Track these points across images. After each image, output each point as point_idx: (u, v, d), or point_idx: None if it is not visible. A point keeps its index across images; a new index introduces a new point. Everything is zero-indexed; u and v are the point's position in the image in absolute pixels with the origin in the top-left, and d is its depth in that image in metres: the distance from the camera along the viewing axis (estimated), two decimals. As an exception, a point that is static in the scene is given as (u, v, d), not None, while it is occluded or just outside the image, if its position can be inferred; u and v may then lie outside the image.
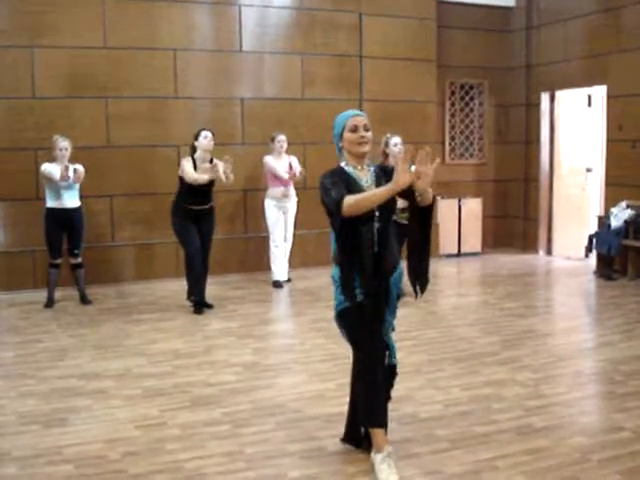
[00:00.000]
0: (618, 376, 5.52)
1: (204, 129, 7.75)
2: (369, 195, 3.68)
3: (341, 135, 3.90)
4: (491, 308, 7.89)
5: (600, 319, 7.59)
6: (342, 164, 3.93)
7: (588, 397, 5.24)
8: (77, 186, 7.91)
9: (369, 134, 3.87)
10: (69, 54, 8.72)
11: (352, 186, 3.79)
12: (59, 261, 7.98)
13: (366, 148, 3.87)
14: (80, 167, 7.85)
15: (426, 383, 5.38)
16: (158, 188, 9.05)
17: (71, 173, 7.66)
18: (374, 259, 3.84)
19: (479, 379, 5.47)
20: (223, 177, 7.57)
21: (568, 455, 4.11)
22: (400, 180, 3.52)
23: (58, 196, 7.82)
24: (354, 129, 3.84)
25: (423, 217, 3.90)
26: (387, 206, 3.83)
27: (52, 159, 7.82)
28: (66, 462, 4.07)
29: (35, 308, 7.94)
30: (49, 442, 4.35)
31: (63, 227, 7.91)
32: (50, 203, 7.86)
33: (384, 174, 3.94)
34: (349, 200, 3.64)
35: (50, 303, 8.00)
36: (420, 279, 3.97)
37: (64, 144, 7.84)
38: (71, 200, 7.90)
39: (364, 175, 3.91)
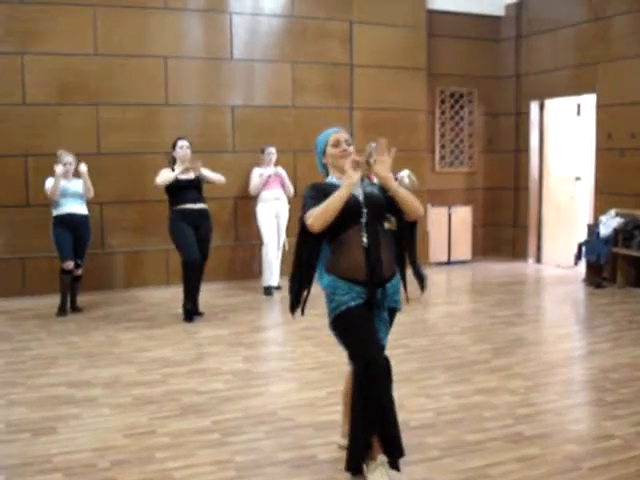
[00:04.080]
0: (608, 384, 5.53)
1: (180, 138, 7.78)
2: (326, 202, 3.74)
3: (324, 152, 4.01)
4: (481, 316, 7.90)
5: (590, 327, 7.61)
6: (328, 179, 4.02)
7: (578, 405, 5.25)
8: (82, 194, 7.88)
9: (351, 148, 3.98)
10: (60, 61, 8.70)
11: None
12: (71, 265, 7.81)
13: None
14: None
15: (417, 391, 5.37)
16: (148, 195, 9.02)
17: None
18: (366, 254, 3.80)
19: (470, 387, 5.47)
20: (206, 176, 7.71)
21: (559, 463, 4.11)
22: (350, 176, 3.76)
23: (65, 204, 7.76)
24: (336, 144, 3.97)
25: (410, 229, 4.02)
26: (372, 202, 3.88)
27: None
28: (55, 471, 4.04)
29: (24, 315, 7.91)
30: (38, 450, 4.32)
31: (71, 232, 7.81)
32: (57, 211, 7.79)
33: (370, 186, 4.04)
34: (309, 217, 3.75)
35: (63, 312, 7.88)
36: (419, 278, 4.07)
37: (68, 159, 7.79)
38: (77, 206, 7.85)
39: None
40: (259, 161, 9.08)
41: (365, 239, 3.82)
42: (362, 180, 3.97)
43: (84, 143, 8.77)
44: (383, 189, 3.95)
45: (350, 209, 3.80)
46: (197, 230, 7.66)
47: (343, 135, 4.01)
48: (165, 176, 7.61)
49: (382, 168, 3.86)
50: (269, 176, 8.96)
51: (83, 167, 7.84)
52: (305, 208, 3.83)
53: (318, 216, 3.73)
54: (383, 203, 3.94)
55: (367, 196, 3.91)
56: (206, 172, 7.83)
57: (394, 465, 3.84)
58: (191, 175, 7.62)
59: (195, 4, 9.42)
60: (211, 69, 9.57)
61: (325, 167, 4.07)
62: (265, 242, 9.02)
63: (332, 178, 3.99)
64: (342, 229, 3.83)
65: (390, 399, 3.85)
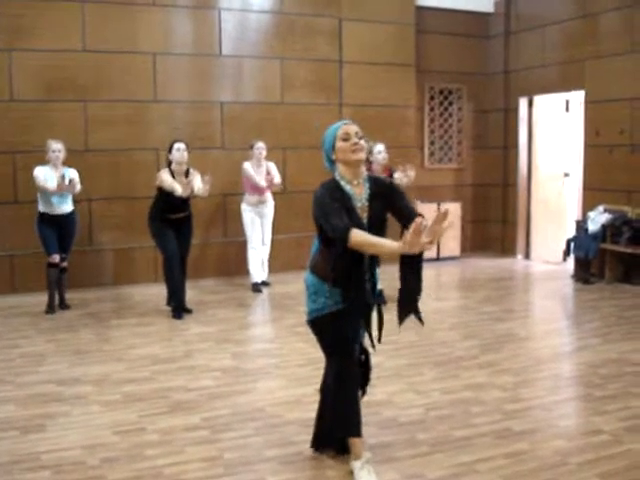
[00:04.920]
0: (596, 379, 5.55)
1: (176, 141, 7.67)
2: (376, 244, 3.53)
3: (333, 147, 3.79)
4: (470, 312, 7.92)
5: (578, 322, 7.64)
6: (337, 177, 3.81)
7: (567, 400, 5.26)
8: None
9: (362, 141, 3.77)
10: (47, 57, 8.66)
11: (347, 205, 3.70)
12: (57, 258, 7.78)
13: (360, 155, 3.75)
14: (75, 176, 7.77)
15: (406, 387, 5.38)
16: (137, 192, 9.01)
17: (67, 182, 7.57)
18: (360, 271, 3.81)
19: (459, 383, 5.49)
20: (198, 192, 7.56)
21: (547, 458, 4.13)
22: (410, 248, 3.34)
23: (50, 202, 7.69)
24: (346, 137, 3.74)
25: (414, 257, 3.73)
26: (377, 221, 3.81)
27: (45, 162, 7.73)
28: (44, 468, 4.03)
29: (13, 313, 7.87)
30: (27, 448, 4.31)
31: (56, 228, 7.77)
32: (42, 208, 7.74)
33: (379, 191, 3.84)
34: (356, 237, 3.52)
35: (51, 309, 7.86)
36: (409, 310, 4.07)
37: (57, 146, 7.72)
38: (64, 206, 7.79)
39: (359, 192, 3.79)
40: (248, 156, 9.05)
41: (365, 267, 3.80)
42: (369, 185, 3.84)
43: (72, 140, 8.69)
44: (386, 199, 3.84)
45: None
46: (177, 231, 7.67)
47: (353, 127, 3.78)
48: (171, 185, 7.43)
49: (434, 241, 3.41)
50: (260, 187, 8.86)
51: (68, 180, 7.75)
52: (328, 218, 3.60)
53: (357, 243, 3.53)
54: (386, 222, 3.88)
55: (373, 215, 3.79)
56: (197, 186, 7.66)
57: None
58: (181, 191, 7.48)
59: (184, 0, 9.39)
60: (200, 65, 9.54)
61: (333, 163, 3.84)
62: (249, 241, 9.01)
63: (342, 180, 3.78)
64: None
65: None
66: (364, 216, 3.79)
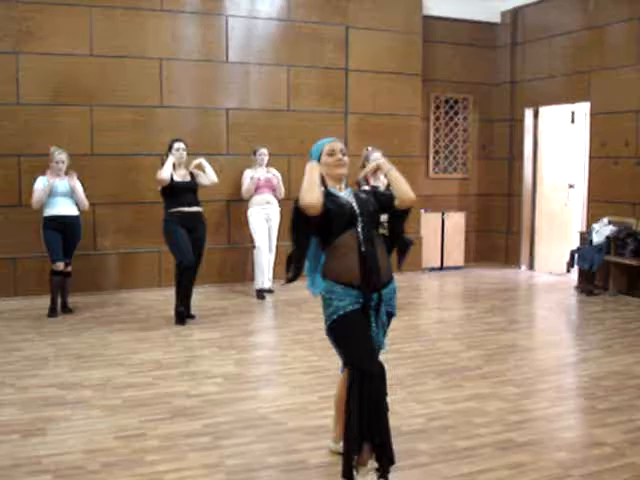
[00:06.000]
0: (599, 391, 5.53)
1: (176, 140, 7.80)
2: (306, 177, 3.87)
3: (319, 160, 4.03)
4: (474, 322, 7.90)
5: (581, 334, 7.61)
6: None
7: (569, 412, 5.25)
8: (72, 193, 7.87)
9: (346, 158, 4.04)
10: (55, 61, 8.69)
11: (331, 199, 3.91)
12: (61, 266, 7.81)
13: (343, 170, 4.02)
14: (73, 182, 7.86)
15: (408, 396, 5.37)
16: (142, 197, 9.01)
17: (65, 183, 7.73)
18: (363, 259, 3.82)
19: (461, 393, 5.47)
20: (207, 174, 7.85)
21: (550, 470, 4.11)
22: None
23: (55, 204, 7.73)
24: (331, 153, 4.02)
25: (401, 217, 4.14)
26: (366, 210, 3.94)
27: (48, 170, 7.78)
28: (45, 472, 4.02)
29: (15, 316, 7.87)
30: (28, 452, 4.30)
31: (61, 233, 7.79)
32: (47, 212, 7.76)
33: (364, 193, 4.16)
34: (300, 195, 3.84)
35: (54, 312, 7.86)
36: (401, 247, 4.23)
37: (61, 157, 7.77)
38: (68, 207, 7.82)
39: (341, 190, 4.05)
40: (251, 162, 9.07)
41: (362, 245, 3.83)
42: (358, 185, 3.99)
43: (78, 144, 8.74)
44: (375, 194, 4.11)
45: (346, 216, 3.87)
46: (191, 233, 7.64)
47: (338, 145, 4.06)
48: (158, 174, 7.63)
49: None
50: (259, 179, 8.96)
51: (74, 180, 7.84)
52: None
53: (303, 195, 3.81)
54: (377, 209, 4.03)
55: (361, 204, 3.96)
56: (202, 175, 7.87)
57: (384, 472, 3.83)
58: (187, 178, 7.65)
59: (191, 6, 9.42)
60: (206, 72, 9.56)
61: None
62: (257, 246, 9.01)
63: (324, 187, 3.99)
64: (338, 234, 3.86)
65: (384, 407, 3.85)
66: (354, 205, 3.96)
